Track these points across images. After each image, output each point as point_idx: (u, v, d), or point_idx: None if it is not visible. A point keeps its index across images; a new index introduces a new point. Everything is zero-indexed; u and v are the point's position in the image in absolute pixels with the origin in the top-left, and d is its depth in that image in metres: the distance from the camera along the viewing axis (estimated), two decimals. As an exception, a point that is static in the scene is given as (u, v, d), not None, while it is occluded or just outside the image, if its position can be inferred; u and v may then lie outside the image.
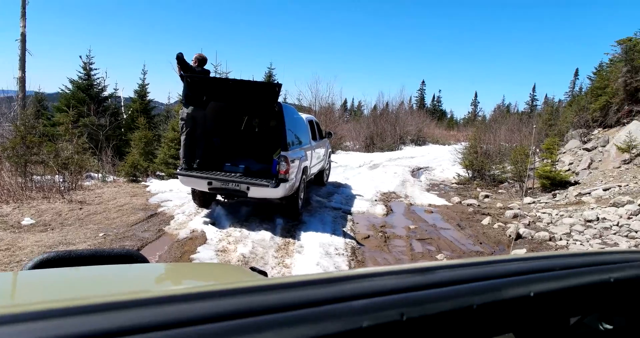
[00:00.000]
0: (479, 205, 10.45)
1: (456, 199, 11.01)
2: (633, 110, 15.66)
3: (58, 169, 9.16)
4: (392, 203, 9.80)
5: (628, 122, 14.69)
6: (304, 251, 6.03)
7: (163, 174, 12.41)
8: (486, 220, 8.71)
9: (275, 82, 21.51)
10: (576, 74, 51.79)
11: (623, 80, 15.92)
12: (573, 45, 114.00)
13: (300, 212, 7.61)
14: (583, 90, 26.92)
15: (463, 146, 17.46)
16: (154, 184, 10.10)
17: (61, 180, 9.11)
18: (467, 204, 10.43)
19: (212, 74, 8.47)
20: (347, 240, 6.67)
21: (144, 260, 1.85)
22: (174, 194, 8.91)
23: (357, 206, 8.96)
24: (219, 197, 8.03)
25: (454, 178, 15.33)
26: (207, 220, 7.05)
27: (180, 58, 6.89)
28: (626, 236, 7.54)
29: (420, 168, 17.77)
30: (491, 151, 16.98)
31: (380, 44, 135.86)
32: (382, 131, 27.62)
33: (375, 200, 9.75)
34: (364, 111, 42.90)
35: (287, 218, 7.36)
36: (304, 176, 7.68)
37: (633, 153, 12.63)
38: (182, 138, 7.16)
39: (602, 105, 17.04)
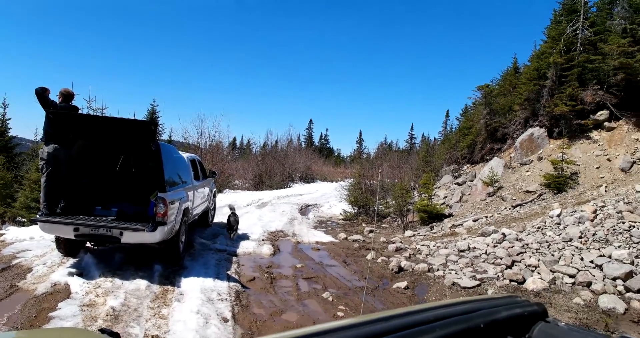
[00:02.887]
0: (364, 240, 10.79)
1: (342, 235, 11.26)
2: (494, 148, 17.68)
3: None
4: (279, 242, 9.72)
5: (490, 159, 16.50)
6: (184, 298, 5.63)
7: (24, 220, 11.00)
8: (370, 255, 8.98)
9: (151, 120, 20.70)
10: (447, 115, 57.47)
11: (484, 121, 18.01)
12: (444, 88, 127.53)
13: (181, 256, 7.16)
14: (453, 130, 29.77)
15: (349, 183, 18.14)
16: (10, 232, 8.85)
17: None
18: (353, 240, 10.72)
19: (86, 111, 7.84)
20: (232, 284, 6.39)
21: None
22: (34, 243, 7.88)
23: (244, 247, 8.72)
24: (89, 244, 7.28)
25: (340, 214, 15.76)
26: (73, 270, 6.30)
27: (39, 93, 6.28)
28: (493, 263, 8.24)
29: (309, 205, 18.03)
30: (375, 187, 17.84)
31: (268, 82, 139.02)
32: (271, 169, 27.75)
33: (263, 240, 9.59)
34: (252, 149, 42.85)
35: (166, 264, 6.87)
36: (185, 218, 7.30)
37: (495, 187, 14.09)
38: (43, 179, 6.43)
39: (469, 143, 19.02)
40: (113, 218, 6.73)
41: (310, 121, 70.63)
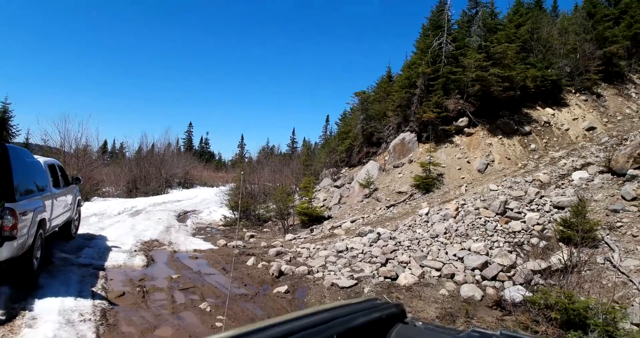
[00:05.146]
0: (244, 246, 10.62)
1: (222, 242, 10.96)
2: (370, 151, 18.67)
3: None
4: (154, 252, 9.11)
5: (366, 162, 17.39)
6: (37, 323, 4.95)
7: None
8: (251, 261, 8.84)
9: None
10: (327, 120, 59.19)
11: (361, 126, 18.95)
12: (325, 94, 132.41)
13: (36, 274, 6.32)
14: (333, 134, 30.87)
15: (230, 188, 17.79)
16: None
17: None
18: (233, 246, 10.47)
19: None
20: (97, 302, 5.81)
21: None
22: None
23: (113, 260, 8.00)
24: None
25: (220, 220, 15.37)
26: None
27: None
28: (369, 261, 8.63)
29: (187, 212, 17.31)
30: (256, 192, 17.72)
31: (144, 83, 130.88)
32: (146, 174, 26.15)
33: (135, 251, 8.91)
34: (126, 153, 39.92)
35: (16, 285, 6.00)
36: (41, 231, 6.47)
37: (371, 188, 14.85)
38: None
39: (347, 147, 19.87)
40: None
41: (190, 124, 67.99)
